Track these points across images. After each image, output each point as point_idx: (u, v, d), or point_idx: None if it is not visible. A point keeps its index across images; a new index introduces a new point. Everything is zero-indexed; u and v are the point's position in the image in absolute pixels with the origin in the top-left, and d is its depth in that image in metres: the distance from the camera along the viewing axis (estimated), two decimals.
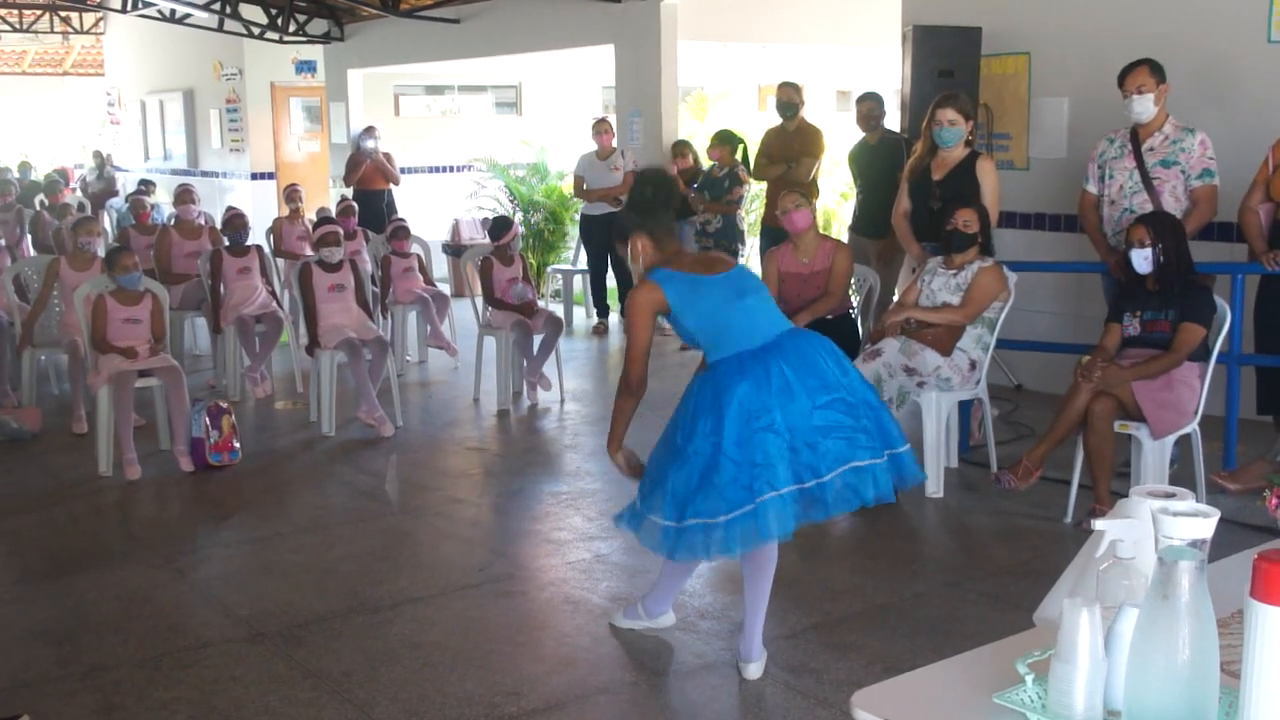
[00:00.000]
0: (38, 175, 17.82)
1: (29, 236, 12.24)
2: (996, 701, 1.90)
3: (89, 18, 21.63)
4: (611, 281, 11.23)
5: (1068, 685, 1.81)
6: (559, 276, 12.54)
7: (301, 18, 15.29)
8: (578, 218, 12.29)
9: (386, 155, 13.17)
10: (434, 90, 18.19)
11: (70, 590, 5.13)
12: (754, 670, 4.12)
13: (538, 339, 8.29)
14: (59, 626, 4.73)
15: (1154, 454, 5.40)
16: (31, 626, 4.74)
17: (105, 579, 5.25)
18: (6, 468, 7.13)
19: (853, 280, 6.93)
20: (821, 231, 7.15)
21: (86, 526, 6.14)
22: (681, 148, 10.60)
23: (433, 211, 14.97)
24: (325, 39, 15.58)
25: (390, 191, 13.20)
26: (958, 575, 5.12)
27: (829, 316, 6.54)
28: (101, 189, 17.19)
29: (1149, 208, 6.11)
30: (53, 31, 22.05)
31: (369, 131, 13.19)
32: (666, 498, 3.90)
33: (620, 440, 4.27)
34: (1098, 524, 2.01)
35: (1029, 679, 1.90)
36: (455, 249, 13.37)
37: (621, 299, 11.10)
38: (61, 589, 5.15)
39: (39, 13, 21.11)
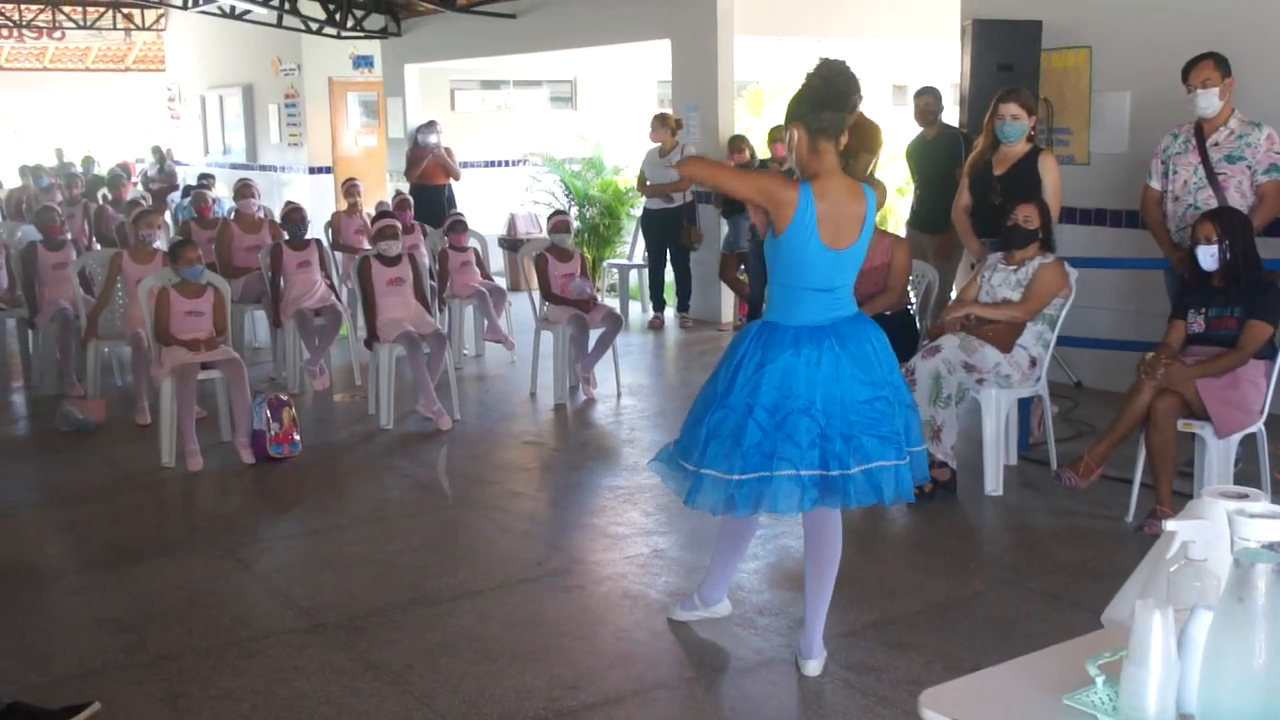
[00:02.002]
0: (101, 170, 18.05)
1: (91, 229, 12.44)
2: (1066, 703, 1.89)
3: (150, 14, 21.89)
4: (669, 276, 11.25)
5: (1140, 688, 1.79)
6: (614, 271, 12.57)
7: (359, 13, 15.39)
8: (635, 212, 12.31)
9: (447, 150, 13.26)
10: (490, 85, 18.27)
11: (135, 579, 5.20)
12: (814, 667, 4.12)
13: (595, 334, 8.32)
14: (125, 615, 4.80)
15: (1218, 453, 5.33)
16: (98, 615, 4.82)
17: (169, 569, 5.32)
18: (72, 458, 7.24)
19: (911, 276, 6.89)
20: (879, 227, 7.11)
21: (150, 517, 6.23)
22: (738, 142, 10.58)
23: (489, 206, 15.04)
24: (383, 34, 15.66)
25: (450, 186, 13.30)
26: (1017, 574, 5.08)
27: (887, 313, 6.51)
28: (162, 184, 17.40)
29: (1213, 204, 6.04)
30: (115, 28, 22.33)
31: (431, 126, 13.27)
32: (695, 442, 3.94)
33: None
34: (1169, 524, 1.99)
35: (1100, 681, 1.88)
36: (512, 243, 13.41)
37: (680, 294, 11.12)
38: (126, 578, 5.23)
39: (102, 10, 21.40)
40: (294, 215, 9.15)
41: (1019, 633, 4.42)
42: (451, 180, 13.27)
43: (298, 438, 7.03)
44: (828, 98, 3.85)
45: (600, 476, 6.72)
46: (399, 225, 8.22)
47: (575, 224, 9.65)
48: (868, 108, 9.73)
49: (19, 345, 9.78)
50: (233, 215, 10.33)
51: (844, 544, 4.14)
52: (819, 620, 4.13)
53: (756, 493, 3.83)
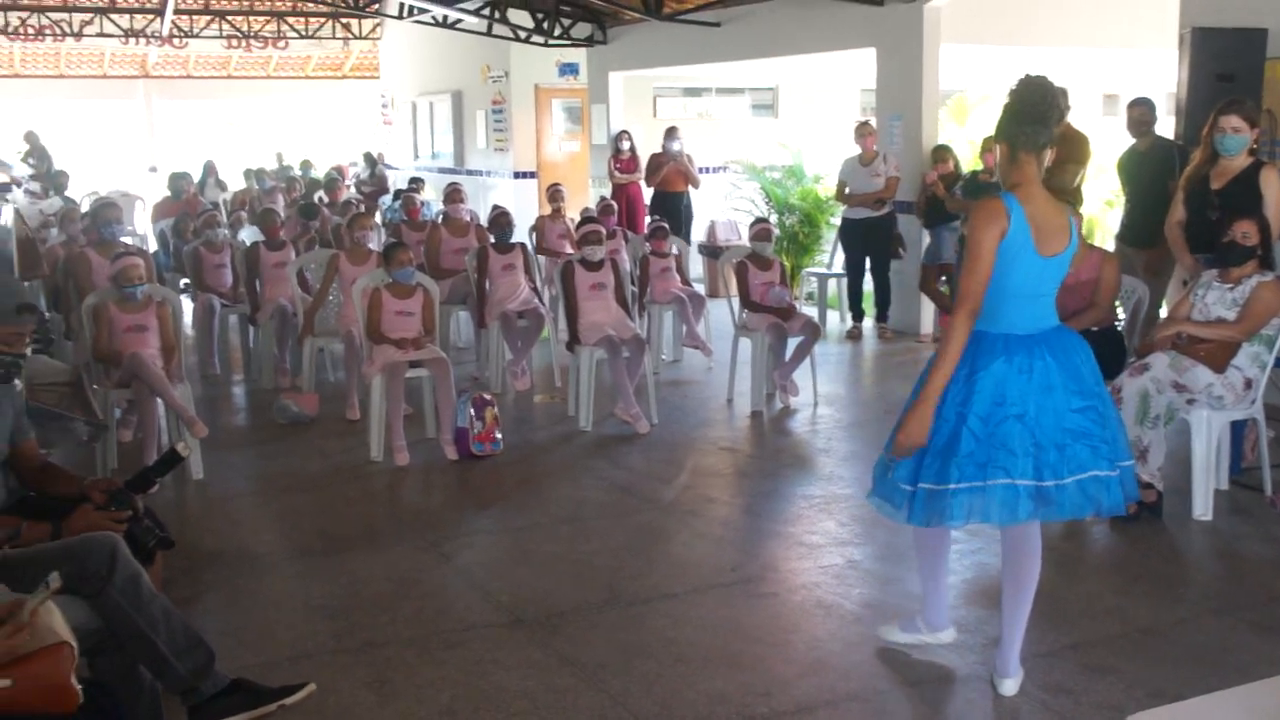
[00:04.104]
0: (317, 173, 18.74)
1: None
2: None
3: (367, 24, 22.73)
4: (868, 286, 11.20)
5: None
6: (813, 280, 12.53)
7: (566, 22, 15.67)
8: (834, 221, 12.26)
9: (688, 157, 13.40)
10: (692, 92, 18.37)
11: (344, 568, 5.41)
12: (1010, 686, 4.05)
13: (793, 342, 8.32)
14: (335, 602, 5.01)
15: None
16: (310, 601, 5.04)
17: (376, 559, 5.52)
18: (286, 449, 7.57)
19: (1119, 292, 6.70)
20: (1087, 241, 6.93)
21: (358, 508, 6.45)
22: (942, 152, 10.44)
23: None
24: (588, 42, 15.91)
25: (689, 194, 13.47)
26: (1226, 603, 4.89)
27: (1093, 328, 6.35)
28: (373, 187, 17.98)
29: None
30: (334, 38, 23.24)
31: (672, 132, 13.41)
32: (908, 462, 3.90)
33: (933, 402, 3.80)
34: None
35: None
36: (712, 250, 13.48)
37: (879, 305, 11.00)
38: (336, 566, 5.44)
39: (323, 20, 22.32)
40: (500, 219, 9.36)
41: (1228, 664, 4.26)
42: (691, 188, 13.44)
43: (499, 436, 7.21)
44: (1025, 113, 3.87)
45: (795, 485, 6.73)
46: (603, 231, 8.35)
47: (775, 232, 9.64)
48: (1077, 118, 9.51)
49: (240, 340, 10.31)
50: (441, 219, 10.63)
51: (1044, 563, 4.06)
52: (1015, 639, 4.06)
53: (969, 503, 3.79)
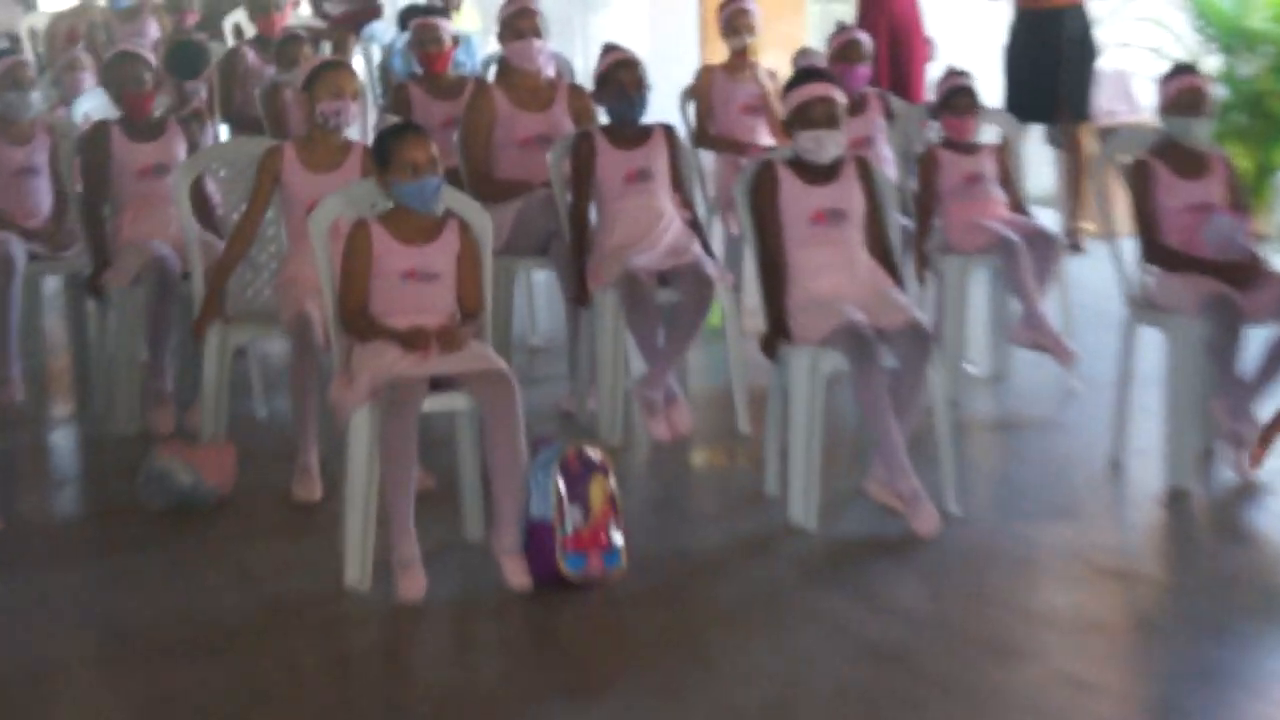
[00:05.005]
0: None
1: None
2: None
3: None
4: None
5: None
6: None
7: None
8: None
9: None
10: None
11: None
12: None
13: (1261, 338, 8.17)
14: None
15: None
16: None
17: None
18: (170, 562, 7.60)
19: None
20: None
21: (322, 700, 6.37)
22: None
23: None
24: None
25: (1085, 10, 13.58)
26: None
27: None
28: (351, 6, 18.07)
29: None
30: None
31: None
32: None
33: None
34: None
35: None
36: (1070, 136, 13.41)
37: None
38: None
39: None
40: (619, 74, 9.31)
41: None
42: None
43: (618, 541, 7.11)
44: None
45: (1273, 654, 6.59)
46: (838, 97, 8.20)
47: (1216, 96, 9.49)
48: None
49: (70, 329, 10.41)
50: (495, 74, 10.64)
51: None
52: None
53: None
